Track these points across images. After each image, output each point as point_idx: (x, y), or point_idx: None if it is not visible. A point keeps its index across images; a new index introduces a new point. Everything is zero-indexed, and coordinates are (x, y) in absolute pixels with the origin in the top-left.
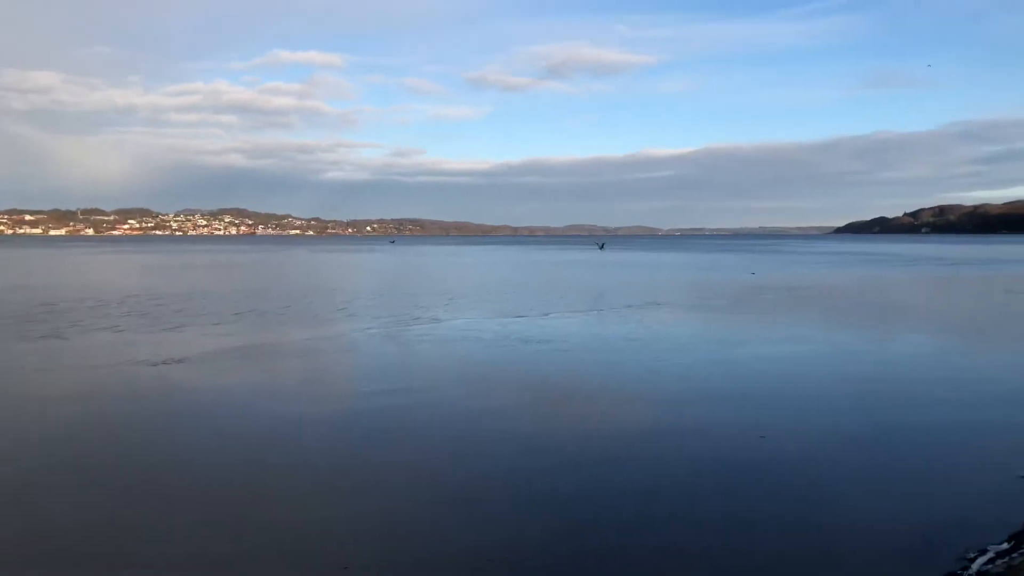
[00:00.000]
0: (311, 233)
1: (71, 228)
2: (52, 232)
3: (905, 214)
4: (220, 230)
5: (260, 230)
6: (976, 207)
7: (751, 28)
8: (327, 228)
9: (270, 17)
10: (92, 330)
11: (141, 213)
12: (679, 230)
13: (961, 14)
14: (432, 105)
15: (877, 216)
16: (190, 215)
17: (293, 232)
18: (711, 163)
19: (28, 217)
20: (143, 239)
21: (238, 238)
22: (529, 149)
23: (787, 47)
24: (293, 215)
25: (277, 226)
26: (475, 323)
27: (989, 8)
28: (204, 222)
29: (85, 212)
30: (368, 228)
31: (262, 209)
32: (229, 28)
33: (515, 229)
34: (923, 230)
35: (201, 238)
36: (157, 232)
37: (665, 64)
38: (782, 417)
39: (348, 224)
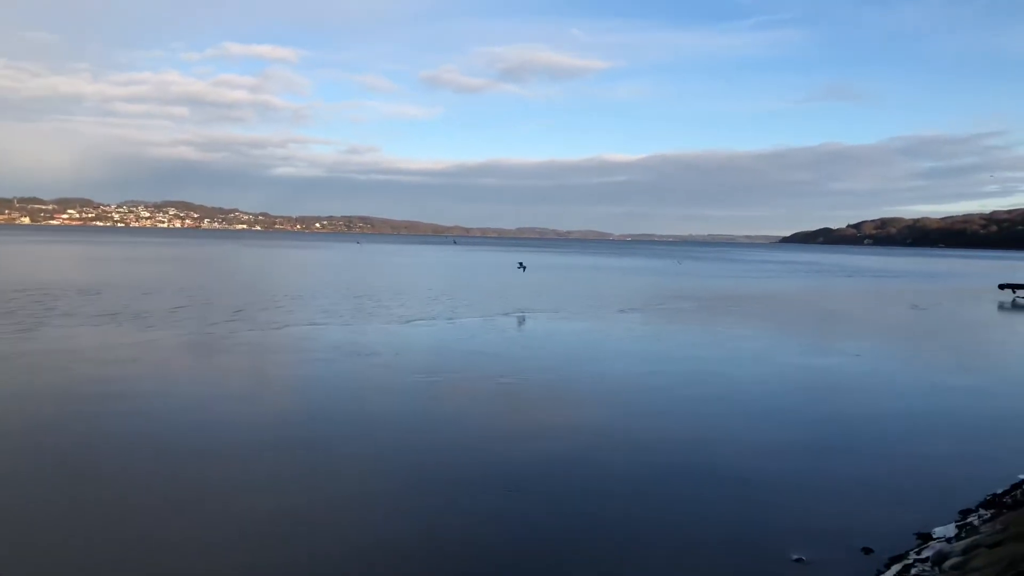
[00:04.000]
0: (258, 228)
1: (6, 216)
2: None
3: (849, 225)
4: (164, 223)
5: (205, 224)
6: (916, 221)
7: (703, 38)
8: (275, 224)
9: (222, 8)
10: None
11: (82, 203)
12: (630, 235)
13: (907, 32)
14: (387, 103)
15: (822, 227)
16: (133, 207)
17: (240, 227)
18: (664, 170)
19: None
20: (80, 230)
21: (181, 231)
22: (485, 150)
23: (737, 57)
24: (241, 210)
25: (223, 220)
26: (323, 330)
27: (932, 28)
28: (147, 214)
29: (22, 201)
30: (317, 225)
31: (209, 203)
32: (180, 18)
33: (467, 230)
34: (865, 241)
35: (142, 230)
36: (98, 223)
37: (620, 70)
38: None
39: (297, 220)
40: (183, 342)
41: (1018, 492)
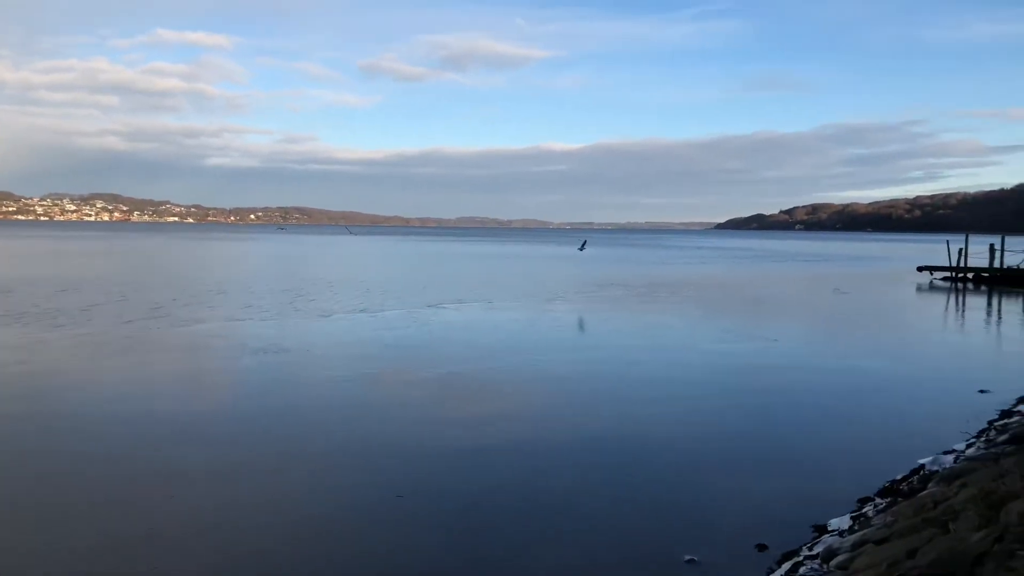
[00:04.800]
0: (190, 220)
1: None
2: None
3: (781, 211)
4: (91, 216)
5: (135, 217)
6: (845, 206)
7: (642, 27)
8: (208, 215)
9: None
10: None
11: (1, 197)
12: (569, 224)
13: (837, 23)
14: (325, 91)
15: (755, 213)
16: (58, 200)
17: (171, 219)
18: (603, 159)
19: None
20: None
21: (109, 225)
22: (425, 139)
23: (676, 47)
24: (172, 202)
25: (154, 213)
26: (240, 326)
27: (860, 19)
28: (73, 207)
29: None
30: (252, 216)
31: (139, 195)
32: (108, 2)
33: (406, 220)
34: (797, 227)
35: (67, 224)
36: (19, 217)
37: (561, 59)
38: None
39: (231, 212)
40: (85, 342)
41: (915, 479)
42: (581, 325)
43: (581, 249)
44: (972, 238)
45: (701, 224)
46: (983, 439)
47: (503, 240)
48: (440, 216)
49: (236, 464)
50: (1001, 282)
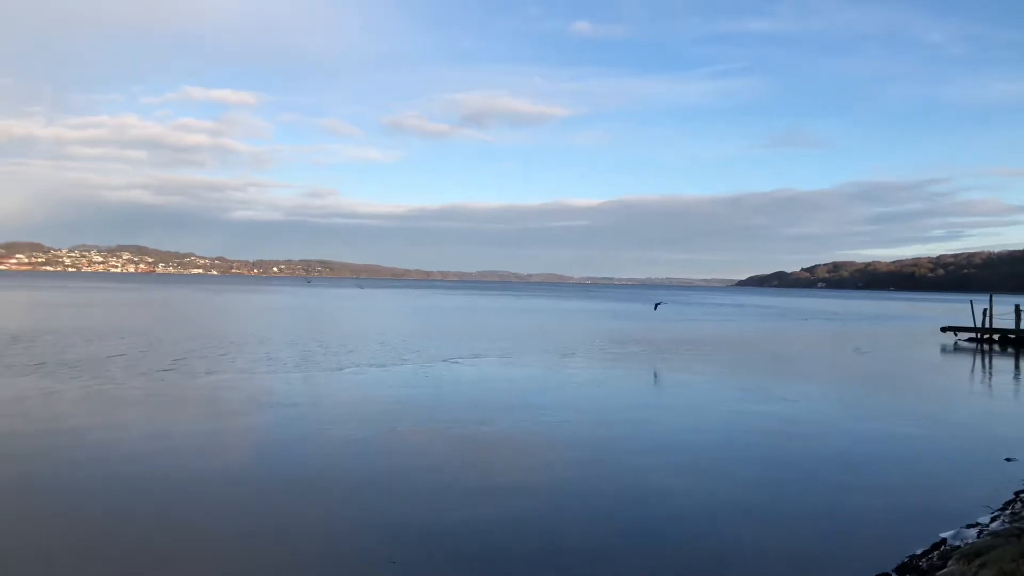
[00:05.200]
0: (214, 272)
1: None
2: None
3: (802, 269)
4: (117, 268)
5: (160, 269)
6: (867, 264)
7: (661, 86)
8: (232, 268)
9: (181, 52)
10: None
11: (32, 248)
12: (590, 279)
13: (856, 81)
14: (348, 146)
15: (777, 270)
16: (85, 251)
17: (195, 271)
18: (623, 214)
19: None
20: (28, 275)
21: (134, 276)
22: (446, 195)
23: (696, 105)
24: (196, 254)
25: (179, 265)
26: (254, 379)
27: (880, 77)
28: (100, 259)
29: None
30: (275, 269)
31: (164, 247)
32: (138, 62)
33: (427, 273)
34: (818, 285)
35: (93, 275)
36: (48, 268)
37: (580, 117)
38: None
39: (254, 264)
40: (95, 394)
41: (935, 555)
42: (597, 383)
43: (655, 308)
44: (997, 298)
45: (722, 281)
46: (1008, 511)
47: (522, 294)
48: (461, 270)
49: (233, 522)
50: None
